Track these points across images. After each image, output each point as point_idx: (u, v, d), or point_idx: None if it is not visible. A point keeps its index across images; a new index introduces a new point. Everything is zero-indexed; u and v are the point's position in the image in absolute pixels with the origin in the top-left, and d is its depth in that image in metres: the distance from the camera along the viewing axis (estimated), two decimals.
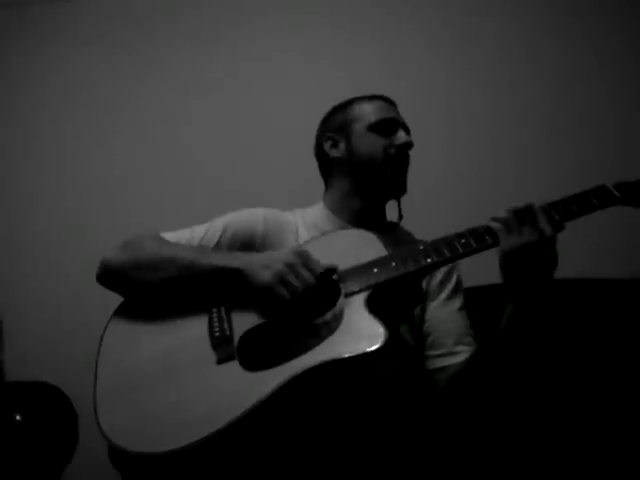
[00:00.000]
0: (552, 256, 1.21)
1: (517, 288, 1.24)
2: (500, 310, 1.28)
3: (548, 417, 1.65)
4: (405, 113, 1.56)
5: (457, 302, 1.48)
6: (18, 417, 1.67)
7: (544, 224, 1.19)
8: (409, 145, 1.48)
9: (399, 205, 1.53)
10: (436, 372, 1.41)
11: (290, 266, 1.20)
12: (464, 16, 2.43)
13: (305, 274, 1.20)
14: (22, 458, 1.64)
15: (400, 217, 1.54)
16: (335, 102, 1.58)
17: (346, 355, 1.10)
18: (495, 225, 1.22)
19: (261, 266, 1.23)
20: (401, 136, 1.47)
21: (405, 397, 1.23)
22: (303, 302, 1.21)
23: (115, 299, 1.34)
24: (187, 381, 1.16)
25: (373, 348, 1.09)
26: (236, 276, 1.24)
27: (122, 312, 1.32)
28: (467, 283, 1.55)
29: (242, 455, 1.10)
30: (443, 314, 1.45)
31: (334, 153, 1.53)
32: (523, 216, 1.20)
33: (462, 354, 1.40)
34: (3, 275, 2.46)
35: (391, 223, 1.56)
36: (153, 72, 2.59)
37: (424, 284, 1.45)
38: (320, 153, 1.57)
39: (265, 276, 1.21)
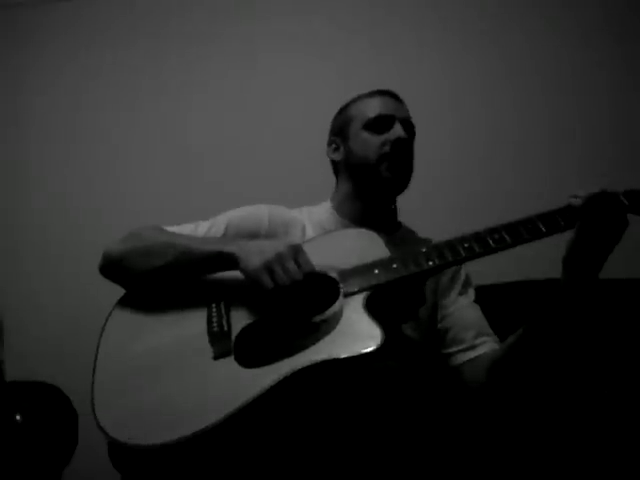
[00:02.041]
0: (617, 242, 1.21)
1: (578, 268, 1.23)
2: (500, 309, 1.28)
3: (550, 413, 1.66)
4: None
5: (470, 295, 1.49)
6: (18, 417, 1.66)
7: (623, 209, 1.20)
8: (403, 140, 1.44)
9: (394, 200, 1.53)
10: (463, 366, 1.42)
11: (280, 256, 1.20)
12: (465, 14, 2.43)
13: (292, 268, 1.19)
14: (22, 458, 1.64)
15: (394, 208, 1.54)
16: (336, 101, 1.59)
17: (341, 355, 1.10)
18: (576, 201, 1.22)
19: (253, 252, 1.23)
20: (396, 130, 1.44)
21: (402, 394, 1.23)
22: (295, 298, 1.21)
23: (116, 299, 1.35)
24: (184, 375, 1.17)
25: (368, 350, 1.09)
26: (230, 260, 1.25)
27: (122, 306, 1.33)
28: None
29: (236, 450, 1.10)
30: (459, 309, 1.46)
31: (335, 157, 1.54)
32: (607, 198, 1.20)
33: (485, 344, 1.41)
34: (3, 275, 2.46)
35: (395, 222, 1.56)
36: (154, 71, 2.59)
37: (434, 282, 1.45)
38: (328, 156, 1.58)
39: (254, 262, 1.21)
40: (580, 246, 1.21)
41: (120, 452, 1.14)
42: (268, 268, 1.19)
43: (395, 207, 1.54)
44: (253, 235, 1.41)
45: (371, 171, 1.45)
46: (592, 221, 1.19)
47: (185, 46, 2.58)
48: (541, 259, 1.46)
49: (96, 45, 2.64)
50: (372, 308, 1.18)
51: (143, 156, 2.55)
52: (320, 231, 1.45)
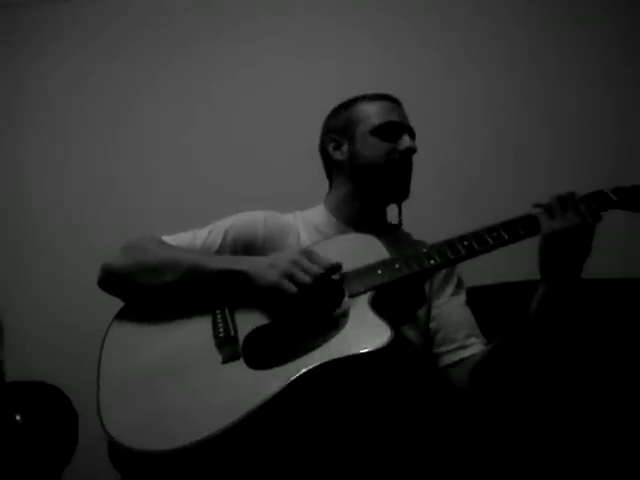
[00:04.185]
0: (588, 244, 1.23)
1: (553, 272, 1.25)
2: (500, 310, 1.29)
3: (550, 414, 1.66)
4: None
5: (462, 297, 1.49)
6: (18, 417, 1.66)
7: (585, 210, 1.21)
8: (412, 151, 1.46)
9: (399, 210, 1.52)
10: (451, 367, 1.41)
11: (295, 262, 1.21)
12: (465, 14, 2.43)
13: (312, 267, 1.20)
14: (22, 458, 1.63)
15: (400, 222, 1.54)
16: (335, 102, 1.57)
17: (351, 353, 1.10)
18: (537, 210, 1.24)
19: (267, 266, 1.23)
20: (405, 141, 1.45)
21: (414, 397, 1.23)
22: (309, 301, 1.21)
23: (115, 299, 1.35)
24: (191, 381, 1.16)
25: (378, 347, 1.10)
26: (242, 279, 1.25)
27: (124, 314, 1.32)
28: (467, 284, 1.55)
29: (246, 454, 1.10)
30: (450, 309, 1.46)
31: (337, 155, 1.52)
32: (566, 202, 1.22)
33: (475, 345, 1.41)
34: (3, 275, 2.46)
35: (391, 225, 1.56)
36: (153, 73, 2.59)
37: (427, 284, 1.45)
38: (324, 153, 1.56)
39: (271, 275, 1.21)
40: (545, 252, 1.24)
41: (121, 453, 1.14)
42: (288, 276, 1.20)
43: (386, 210, 1.55)
44: (250, 242, 1.41)
45: (379, 176, 1.45)
46: (551, 225, 1.22)
47: (184, 47, 2.58)
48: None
49: (96, 45, 2.64)
50: (377, 308, 1.19)
51: (143, 157, 2.55)
52: (315, 235, 1.45)
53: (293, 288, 1.19)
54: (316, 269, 1.20)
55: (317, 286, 1.19)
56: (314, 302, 1.21)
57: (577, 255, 1.23)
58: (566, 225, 1.20)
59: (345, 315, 1.18)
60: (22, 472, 1.63)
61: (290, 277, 1.19)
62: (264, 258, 1.28)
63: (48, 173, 2.59)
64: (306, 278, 1.19)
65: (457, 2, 2.45)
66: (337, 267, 1.23)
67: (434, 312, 1.46)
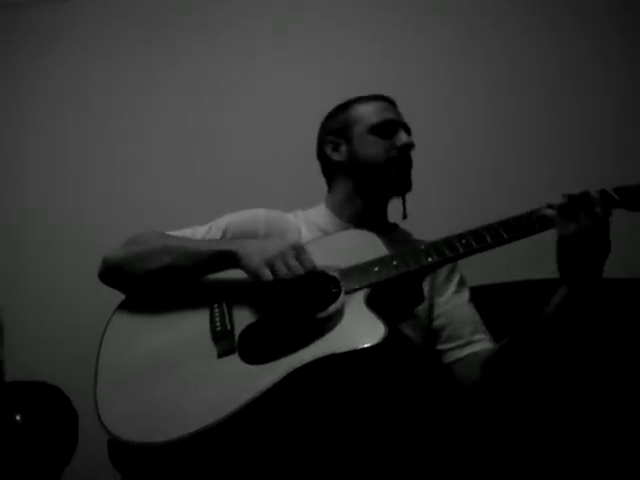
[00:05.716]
0: (606, 242, 1.21)
1: (573, 273, 1.23)
2: (499, 309, 1.29)
3: (551, 414, 1.66)
4: (405, 112, 1.56)
5: (465, 294, 1.50)
6: (18, 417, 1.66)
7: (599, 209, 1.18)
8: (410, 146, 1.49)
9: (404, 204, 1.53)
10: (456, 363, 1.42)
11: (282, 254, 1.22)
12: (467, 15, 2.43)
13: (294, 264, 1.21)
14: (22, 458, 1.64)
15: (404, 216, 1.54)
16: (335, 102, 1.59)
17: (345, 350, 1.11)
18: (550, 212, 1.22)
19: (255, 250, 1.25)
20: (402, 137, 1.48)
21: (409, 392, 1.23)
22: (297, 296, 1.22)
23: (115, 299, 1.35)
24: (188, 374, 1.17)
25: (372, 344, 1.10)
26: (230, 259, 1.26)
27: (124, 309, 1.34)
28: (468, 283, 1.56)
29: (241, 447, 1.11)
30: (455, 306, 1.47)
31: (335, 157, 1.54)
32: (579, 201, 1.19)
33: (482, 342, 1.42)
34: (3, 275, 2.46)
35: (391, 224, 1.57)
36: (153, 72, 2.59)
37: (429, 282, 1.46)
38: (322, 156, 1.58)
39: (256, 260, 1.23)
40: (564, 253, 1.22)
41: (120, 452, 1.15)
42: (269, 264, 1.21)
43: (386, 209, 1.56)
44: (250, 238, 1.42)
45: (379, 173, 1.47)
46: (567, 226, 1.19)
47: (184, 46, 2.58)
48: (540, 259, 1.46)
49: (95, 45, 2.64)
50: (373, 305, 1.19)
51: (143, 157, 2.55)
52: (317, 233, 1.47)
53: (270, 277, 1.20)
54: (298, 269, 1.21)
55: (295, 284, 1.20)
56: (309, 299, 1.22)
57: (597, 253, 1.21)
58: (583, 225, 1.18)
59: (340, 312, 1.19)
60: (22, 472, 1.63)
61: (271, 267, 1.20)
62: (256, 242, 1.30)
63: (48, 173, 2.59)
64: (286, 274, 1.20)
65: (458, 2, 2.45)
66: (320, 274, 1.24)
67: (438, 310, 1.47)
